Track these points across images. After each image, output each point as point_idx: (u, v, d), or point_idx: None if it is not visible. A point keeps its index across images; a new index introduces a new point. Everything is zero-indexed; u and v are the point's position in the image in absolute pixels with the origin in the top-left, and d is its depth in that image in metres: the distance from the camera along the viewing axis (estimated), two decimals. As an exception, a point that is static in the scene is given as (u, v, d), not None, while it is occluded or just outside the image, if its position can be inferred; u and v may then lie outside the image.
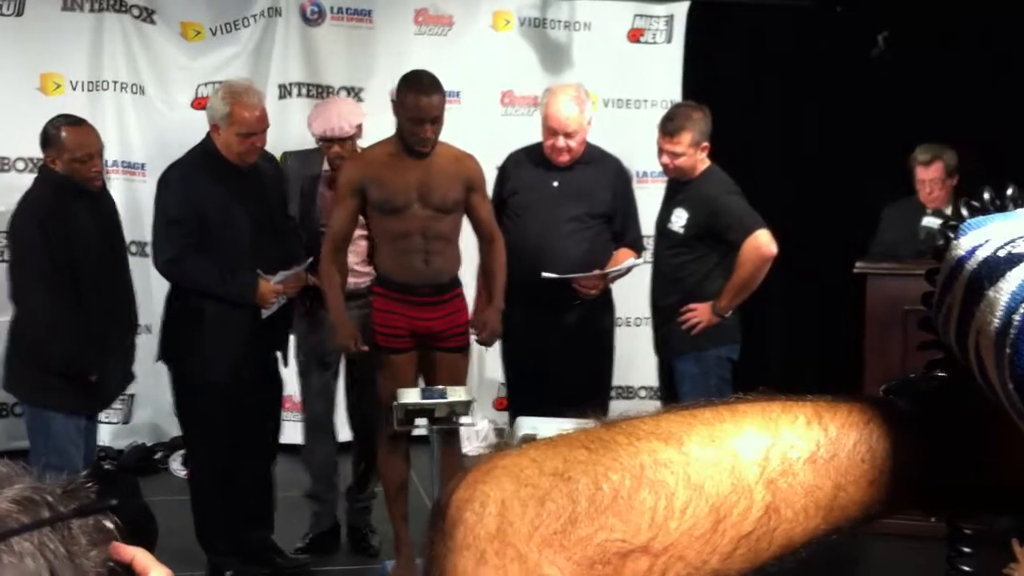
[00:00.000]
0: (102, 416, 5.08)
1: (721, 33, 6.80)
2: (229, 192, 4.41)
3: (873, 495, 0.61)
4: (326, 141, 4.83)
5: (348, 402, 5.06)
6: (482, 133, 5.95)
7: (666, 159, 4.67)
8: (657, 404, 5.52)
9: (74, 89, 6.28)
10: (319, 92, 6.50)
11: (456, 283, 4.51)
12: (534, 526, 0.57)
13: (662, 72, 6.81)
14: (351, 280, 4.64)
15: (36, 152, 5.09)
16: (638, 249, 4.97)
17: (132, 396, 6.11)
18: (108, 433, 6.24)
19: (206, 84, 6.32)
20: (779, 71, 6.64)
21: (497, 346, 4.79)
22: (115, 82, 6.37)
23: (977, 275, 0.57)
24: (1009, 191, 0.61)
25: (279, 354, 4.74)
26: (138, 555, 0.97)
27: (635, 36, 6.89)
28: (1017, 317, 0.54)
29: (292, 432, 5.37)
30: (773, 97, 6.71)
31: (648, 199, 5.43)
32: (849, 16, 6.48)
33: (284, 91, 6.49)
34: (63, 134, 4.29)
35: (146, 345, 5.04)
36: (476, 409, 4.41)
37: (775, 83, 6.68)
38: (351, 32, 6.61)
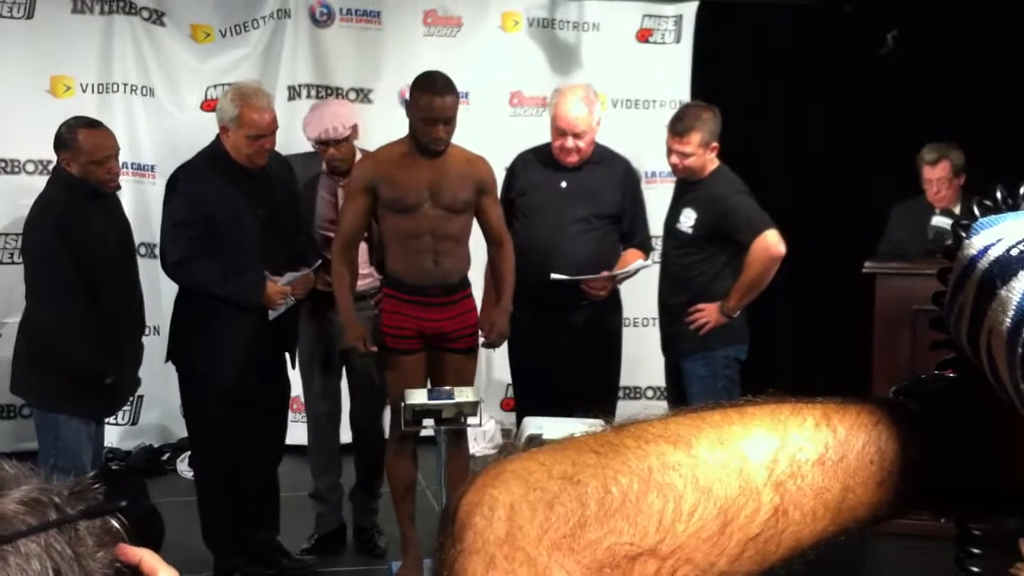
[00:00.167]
0: (110, 417, 5.08)
1: (730, 33, 6.79)
2: (238, 194, 4.41)
3: (882, 496, 0.61)
4: (322, 144, 4.83)
5: (351, 403, 5.07)
6: (491, 134, 5.96)
7: (675, 159, 4.66)
8: (664, 404, 5.52)
9: (84, 91, 6.30)
10: (328, 93, 6.51)
11: (465, 284, 4.51)
12: (543, 530, 0.57)
13: (671, 72, 6.81)
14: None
15: (46, 154, 5.11)
16: (646, 250, 4.97)
17: (140, 398, 6.12)
18: (116, 434, 6.26)
19: (215, 86, 6.33)
20: (788, 71, 6.64)
21: (504, 347, 4.79)
22: (125, 84, 6.39)
23: (989, 274, 0.56)
24: (1022, 190, 0.61)
25: (287, 355, 4.75)
26: (145, 556, 0.97)
27: (644, 36, 6.89)
28: (1029, 317, 0.53)
29: (298, 433, 5.38)
30: (782, 97, 6.70)
31: (656, 199, 5.43)
32: (857, 16, 6.47)
33: (293, 92, 6.50)
34: (80, 136, 4.29)
35: (155, 346, 5.05)
36: (483, 410, 4.40)
37: (784, 83, 6.68)
38: (360, 33, 6.62)
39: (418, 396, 4.14)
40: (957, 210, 5.25)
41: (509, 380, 5.50)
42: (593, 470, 0.58)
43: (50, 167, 4.79)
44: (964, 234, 0.60)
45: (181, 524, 4.45)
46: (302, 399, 5.16)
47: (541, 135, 4.93)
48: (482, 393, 4.88)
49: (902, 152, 5.56)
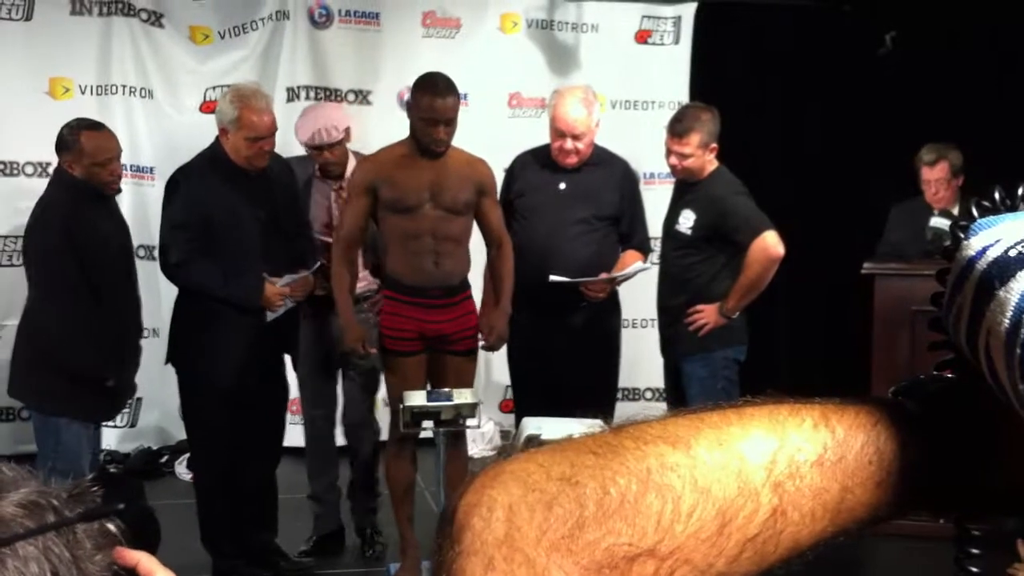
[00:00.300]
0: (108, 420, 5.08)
1: (729, 34, 6.80)
2: (237, 196, 4.41)
3: (881, 497, 0.61)
4: (314, 148, 4.83)
5: (344, 405, 5.07)
6: (489, 135, 5.96)
7: (674, 160, 4.66)
8: (663, 406, 5.52)
9: (83, 93, 6.30)
10: (327, 95, 6.51)
11: (466, 285, 4.51)
12: (542, 531, 0.57)
13: (670, 73, 6.81)
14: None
15: (44, 156, 5.11)
16: (645, 251, 4.97)
17: (139, 400, 6.12)
18: (114, 437, 6.26)
19: (214, 88, 6.33)
20: (786, 72, 6.64)
21: (503, 348, 4.78)
22: (124, 86, 6.39)
23: (988, 275, 0.56)
24: (1020, 190, 0.61)
25: (288, 357, 4.75)
26: (142, 559, 0.97)
27: (642, 37, 6.89)
28: (1027, 318, 0.53)
29: (296, 435, 5.38)
30: (780, 98, 6.70)
31: (655, 200, 5.43)
32: (855, 17, 6.47)
33: (292, 94, 6.50)
34: (82, 138, 4.28)
35: (154, 348, 5.04)
36: (482, 412, 4.40)
37: (782, 84, 6.68)
38: (359, 35, 6.62)
39: (417, 398, 4.14)
40: (955, 211, 5.25)
41: (508, 382, 5.50)
42: (591, 471, 0.58)
43: (49, 169, 4.79)
44: (962, 235, 0.60)
45: (179, 526, 4.45)
46: (299, 401, 5.16)
47: (540, 136, 4.93)
48: (481, 395, 4.88)
49: (901, 153, 5.56)
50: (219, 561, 4.58)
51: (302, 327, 4.80)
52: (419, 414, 4.12)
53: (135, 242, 4.92)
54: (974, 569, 0.65)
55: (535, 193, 4.81)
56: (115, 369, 4.36)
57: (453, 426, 4.19)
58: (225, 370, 4.39)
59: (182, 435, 5.59)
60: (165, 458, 6.32)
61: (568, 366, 4.72)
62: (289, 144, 5.18)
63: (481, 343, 4.58)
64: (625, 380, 5.58)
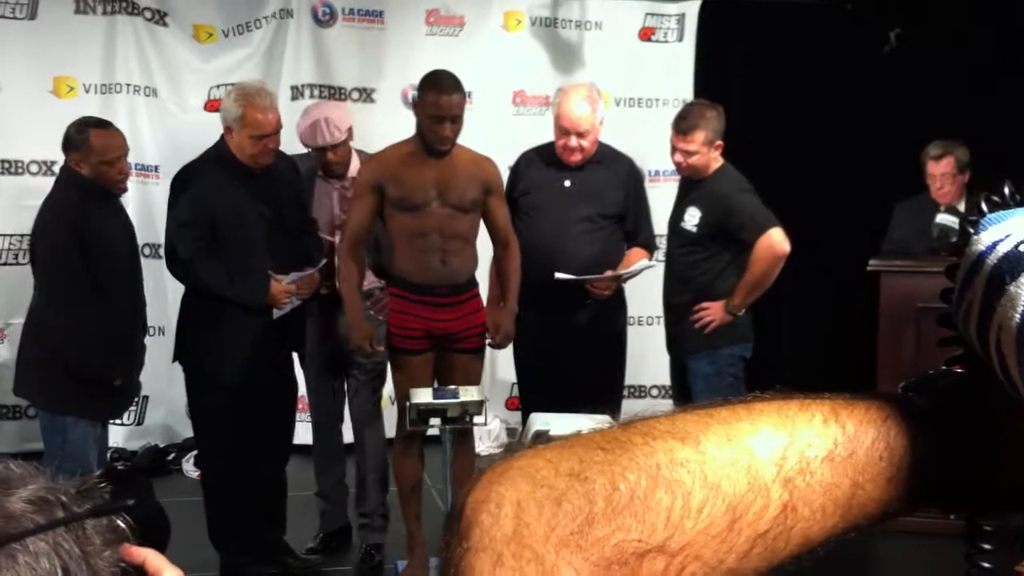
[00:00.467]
0: (115, 418, 5.08)
1: (732, 31, 6.79)
2: (242, 194, 4.41)
3: (891, 492, 0.61)
4: (317, 149, 4.82)
5: (350, 403, 5.07)
6: (494, 133, 5.95)
7: (679, 157, 4.66)
8: (669, 403, 5.51)
9: (87, 92, 6.29)
10: (331, 93, 6.51)
11: (473, 283, 4.51)
12: (551, 527, 0.56)
13: (674, 71, 6.80)
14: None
15: (49, 155, 5.11)
16: (650, 249, 4.96)
17: (146, 398, 6.13)
18: (121, 434, 6.27)
19: (219, 86, 6.33)
20: (790, 69, 6.63)
21: (510, 346, 4.78)
22: (128, 85, 6.39)
23: (998, 270, 0.56)
24: (1030, 185, 0.61)
25: (295, 355, 4.75)
26: (149, 556, 0.97)
27: (646, 35, 6.89)
28: (1038, 312, 0.53)
29: (304, 432, 5.38)
30: (785, 95, 6.70)
31: (660, 198, 5.42)
32: (860, 14, 6.46)
33: (296, 92, 6.50)
34: (90, 136, 4.28)
35: (161, 347, 5.04)
36: (489, 409, 4.40)
37: (787, 81, 6.67)
38: (363, 33, 6.62)
39: (423, 395, 4.14)
40: (961, 207, 5.24)
41: (514, 379, 5.51)
42: (600, 467, 0.58)
43: (54, 168, 4.79)
44: (972, 230, 0.60)
45: (186, 524, 4.45)
46: (306, 399, 5.16)
47: (544, 134, 4.93)
48: (487, 392, 4.87)
49: (906, 150, 5.55)
50: (226, 559, 4.59)
51: (309, 325, 4.81)
52: (426, 412, 4.12)
53: (140, 240, 4.92)
54: (986, 564, 0.65)
55: (540, 191, 4.80)
56: (122, 368, 4.36)
57: (460, 424, 4.19)
58: (232, 368, 4.39)
59: (189, 433, 5.59)
60: (172, 456, 6.33)
61: (574, 364, 4.72)
62: (293, 142, 5.17)
63: (488, 342, 4.58)
64: (631, 378, 5.58)
